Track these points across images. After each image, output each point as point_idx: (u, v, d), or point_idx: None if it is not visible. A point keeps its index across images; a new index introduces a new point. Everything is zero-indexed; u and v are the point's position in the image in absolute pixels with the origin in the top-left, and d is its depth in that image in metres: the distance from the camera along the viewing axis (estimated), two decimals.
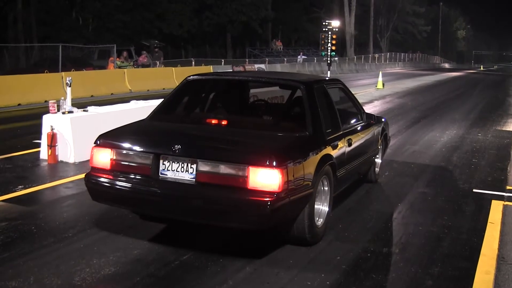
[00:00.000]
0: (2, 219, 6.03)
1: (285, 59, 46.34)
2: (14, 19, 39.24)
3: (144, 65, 29.01)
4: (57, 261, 4.94)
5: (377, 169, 8.16)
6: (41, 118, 9.32)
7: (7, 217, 6.09)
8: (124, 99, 13.70)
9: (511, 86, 38.74)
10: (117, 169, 5.32)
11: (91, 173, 5.46)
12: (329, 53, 27.48)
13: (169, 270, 4.83)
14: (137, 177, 5.22)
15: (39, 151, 9.29)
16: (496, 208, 7.10)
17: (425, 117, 16.79)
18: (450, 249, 5.62)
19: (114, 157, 5.34)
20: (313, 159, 5.33)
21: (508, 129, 14.70)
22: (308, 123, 5.65)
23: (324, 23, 27.50)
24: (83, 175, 5.86)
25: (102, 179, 5.32)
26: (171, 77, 25.78)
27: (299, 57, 49.73)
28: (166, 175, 5.10)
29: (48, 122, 8.97)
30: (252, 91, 8.04)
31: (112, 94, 21.54)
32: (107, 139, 5.48)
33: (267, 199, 4.70)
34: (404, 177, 8.68)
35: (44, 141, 9.00)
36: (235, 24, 52.92)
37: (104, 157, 5.38)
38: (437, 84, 36.54)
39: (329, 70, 29.45)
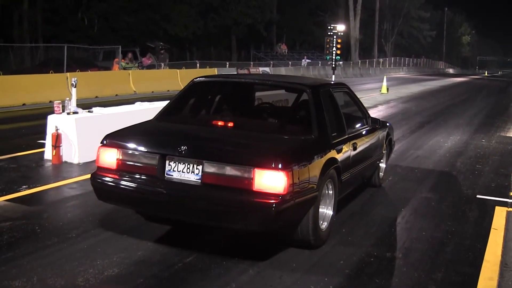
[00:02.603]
0: (6, 218, 6.04)
1: (290, 62, 46.35)
2: (19, 19, 39.37)
3: (149, 67, 29.04)
4: (60, 261, 4.95)
5: (381, 174, 8.16)
6: (45, 118, 9.33)
7: (11, 217, 6.10)
8: (129, 101, 13.73)
9: None
10: (123, 169, 5.33)
11: (97, 172, 5.47)
12: (334, 57, 27.51)
13: (173, 272, 4.83)
14: (142, 177, 5.24)
15: (43, 151, 9.30)
16: (500, 214, 7.09)
17: (429, 122, 16.79)
18: (454, 255, 5.62)
19: (120, 157, 5.35)
20: (318, 162, 5.34)
21: None
22: (313, 127, 5.67)
23: (329, 27, 27.52)
24: (87, 176, 5.89)
25: (108, 179, 5.34)
26: (176, 79, 25.83)
27: (303, 60, 49.72)
28: (172, 175, 5.12)
29: (53, 122, 8.98)
30: (256, 94, 8.04)
31: (116, 95, 21.57)
32: (113, 139, 5.49)
33: (272, 201, 4.71)
34: (408, 182, 8.68)
35: (48, 141, 9.01)
36: (240, 26, 52.99)
37: (110, 157, 5.39)
38: (441, 89, 36.51)
39: (333, 74, 29.46)
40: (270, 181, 4.77)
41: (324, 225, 5.60)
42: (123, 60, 26.88)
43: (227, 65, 36.26)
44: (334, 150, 5.74)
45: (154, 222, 6.03)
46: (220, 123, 5.89)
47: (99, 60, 29.91)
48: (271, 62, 44.28)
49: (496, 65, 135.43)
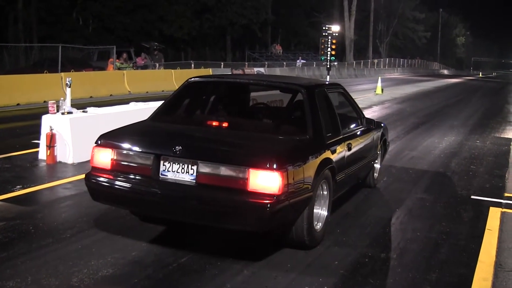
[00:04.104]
0: (0, 218, 6.02)
1: (284, 63, 46.39)
2: (14, 19, 39.27)
3: (144, 67, 29.01)
4: (55, 261, 4.93)
5: (376, 174, 8.17)
6: (40, 118, 9.32)
7: (5, 217, 6.08)
8: (123, 101, 13.71)
9: (509, 93, 38.85)
10: (117, 169, 5.32)
11: (92, 173, 5.46)
12: (328, 58, 27.50)
13: (167, 273, 4.82)
14: (137, 177, 5.23)
15: (38, 151, 9.27)
16: (494, 215, 7.11)
17: (424, 123, 16.81)
18: (448, 255, 5.63)
19: (115, 157, 5.34)
20: (313, 163, 5.34)
21: (506, 136, 14.73)
22: (308, 127, 5.67)
23: (324, 28, 27.51)
24: (81, 176, 5.87)
25: (102, 179, 5.32)
26: (171, 79, 25.81)
27: (298, 61, 49.77)
28: (167, 176, 5.11)
29: (47, 122, 8.96)
30: (251, 94, 8.04)
31: (111, 95, 21.55)
32: (108, 139, 5.48)
33: (267, 201, 4.71)
34: (403, 183, 8.69)
35: (43, 141, 8.99)
36: (235, 27, 52.96)
37: (105, 157, 5.38)
38: (436, 90, 36.59)
39: (328, 74, 29.47)
40: (265, 181, 4.76)
41: (318, 225, 5.60)
42: (117, 60, 26.85)
43: (222, 66, 36.26)
44: (329, 151, 5.75)
45: (148, 223, 6.02)
46: (215, 123, 5.89)
47: (93, 60, 29.82)
48: (266, 62, 44.31)
49: (491, 66, 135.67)
